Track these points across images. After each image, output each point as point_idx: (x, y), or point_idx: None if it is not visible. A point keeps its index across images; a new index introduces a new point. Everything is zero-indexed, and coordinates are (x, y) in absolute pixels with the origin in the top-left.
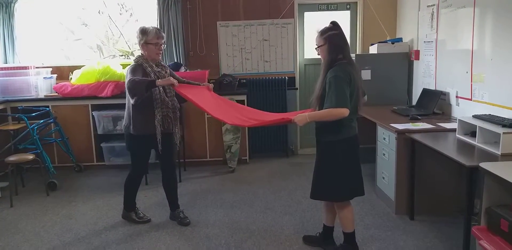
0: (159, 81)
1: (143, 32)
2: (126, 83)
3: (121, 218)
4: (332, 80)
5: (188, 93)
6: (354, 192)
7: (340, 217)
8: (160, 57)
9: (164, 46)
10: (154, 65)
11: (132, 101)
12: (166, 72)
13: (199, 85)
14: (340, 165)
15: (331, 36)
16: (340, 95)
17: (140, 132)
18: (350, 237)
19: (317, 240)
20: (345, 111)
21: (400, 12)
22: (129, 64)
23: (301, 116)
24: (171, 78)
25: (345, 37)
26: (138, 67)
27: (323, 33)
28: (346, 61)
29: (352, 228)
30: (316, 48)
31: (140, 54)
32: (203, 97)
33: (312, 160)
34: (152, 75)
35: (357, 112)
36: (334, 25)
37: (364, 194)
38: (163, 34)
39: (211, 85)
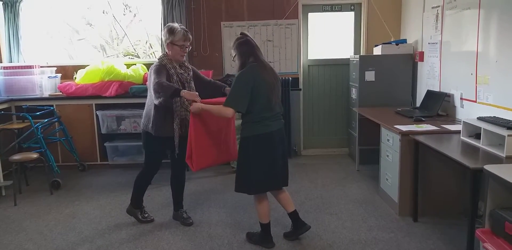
0: (184, 93)
1: (171, 31)
2: (152, 85)
3: (124, 216)
4: (233, 81)
5: (198, 120)
6: (266, 186)
7: (255, 208)
8: (184, 58)
9: (189, 48)
10: (177, 66)
11: (156, 102)
12: (189, 74)
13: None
14: (251, 159)
15: (239, 45)
16: (233, 95)
17: (159, 133)
18: (263, 228)
19: (293, 232)
20: (229, 113)
21: (405, 13)
22: (133, 64)
23: (197, 105)
24: (195, 95)
25: (252, 42)
26: (162, 68)
27: (233, 44)
28: (257, 63)
29: (265, 220)
30: (233, 60)
31: (164, 53)
32: (208, 129)
33: (316, 161)
34: (175, 78)
35: (271, 110)
36: (242, 34)
37: (281, 187)
38: (190, 36)
39: None
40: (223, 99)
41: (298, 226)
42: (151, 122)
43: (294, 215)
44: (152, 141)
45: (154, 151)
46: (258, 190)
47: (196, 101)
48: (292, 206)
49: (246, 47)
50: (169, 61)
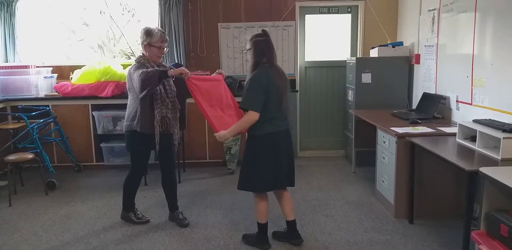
0: (171, 71)
1: (148, 33)
2: (139, 76)
3: (120, 219)
4: (247, 82)
5: (198, 88)
6: (269, 185)
7: (254, 207)
8: (161, 59)
9: (166, 50)
10: (155, 66)
11: (142, 94)
12: None
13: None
14: (256, 158)
15: (257, 42)
16: (249, 97)
17: (145, 130)
18: (260, 228)
19: (283, 235)
20: (254, 115)
21: (401, 16)
22: (130, 65)
23: (222, 133)
24: (183, 68)
25: (271, 44)
26: (141, 66)
27: (251, 38)
28: (268, 64)
29: (263, 220)
30: (244, 52)
31: (141, 54)
32: (211, 96)
33: (312, 162)
34: None
35: (281, 111)
36: (263, 32)
37: (285, 187)
38: (167, 37)
39: (224, 74)
40: (212, 76)
41: (292, 236)
42: (136, 119)
43: (292, 225)
44: (137, 140)
45: (139, 150)
46: (262, 188)
47: (182, 74)
48: (292, 215)
49: (263, 46)
50: (146, 61)
